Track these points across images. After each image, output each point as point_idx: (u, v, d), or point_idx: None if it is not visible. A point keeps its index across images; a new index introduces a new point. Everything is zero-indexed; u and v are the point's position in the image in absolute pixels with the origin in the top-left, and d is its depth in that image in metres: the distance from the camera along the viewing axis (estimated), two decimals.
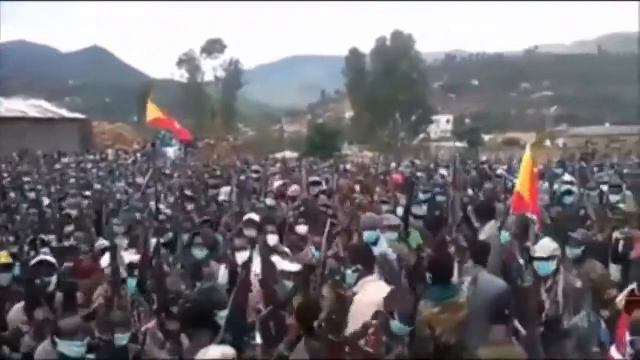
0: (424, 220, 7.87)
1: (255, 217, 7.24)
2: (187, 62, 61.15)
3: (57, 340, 4.00)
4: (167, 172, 15.73)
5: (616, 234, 5.93)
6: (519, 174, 7.33)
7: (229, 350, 3.49)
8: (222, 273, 5.87)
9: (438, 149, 50.16)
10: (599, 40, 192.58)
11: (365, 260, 4.97)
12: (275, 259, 5.67)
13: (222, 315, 4.14)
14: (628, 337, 3.09)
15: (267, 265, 5.20)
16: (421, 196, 9.31)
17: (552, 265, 4.92)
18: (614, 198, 8.27)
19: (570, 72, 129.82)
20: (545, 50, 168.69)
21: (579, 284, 4.88)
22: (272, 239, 6.41)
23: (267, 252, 5.52)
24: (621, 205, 7.74)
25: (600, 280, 5.19)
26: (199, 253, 6.45)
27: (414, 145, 53.61)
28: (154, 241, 5.82)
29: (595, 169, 13.36)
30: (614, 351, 3.34)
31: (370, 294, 4.48)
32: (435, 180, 12.19)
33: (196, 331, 4.11)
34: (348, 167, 19.10)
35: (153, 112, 12.04)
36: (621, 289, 4.86)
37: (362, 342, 3.81)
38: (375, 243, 5.93)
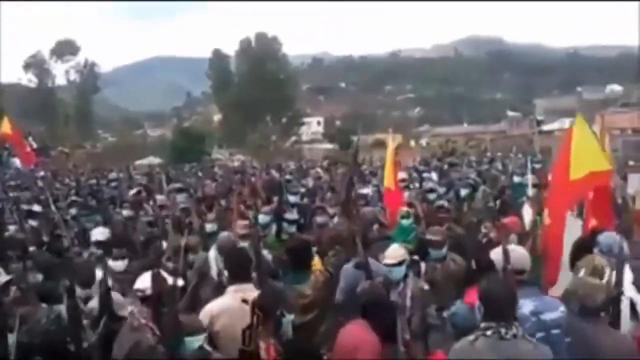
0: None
1: (101, 236, 6.76)
2: (35, 64, 57.60)
3: None
4: (12, 183, 15.05)
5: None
6: (384, 169, 8.19)
7: None
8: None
9: (310, 150, 50.21)
10: (455, 44, 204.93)
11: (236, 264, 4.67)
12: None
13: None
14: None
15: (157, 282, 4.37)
16: (290, 198, 9.30)
17: (403, 269, 5.11)
18: (463, 192, 9.14)
19: (430, 75, 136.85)
20: (406, 53, 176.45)
21: (425, 286, 5.26)
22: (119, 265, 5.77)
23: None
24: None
25: (458, 270, 5.56)
26: (33, 279, 5.55)
27: (286, 148, 53.36)
28: None
29: (445, 166, 14.89)
30: None
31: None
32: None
33: None
34: (216, 170, 18.85)
35: (4, 125, 11.94)
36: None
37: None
38: None
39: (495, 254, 4.14)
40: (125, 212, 8.99)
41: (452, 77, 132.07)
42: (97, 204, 10.56)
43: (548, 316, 3.71)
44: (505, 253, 4.01)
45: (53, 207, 8.01)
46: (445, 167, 14.87)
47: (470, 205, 8.65)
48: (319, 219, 7.59)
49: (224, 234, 6.12)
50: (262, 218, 7.45)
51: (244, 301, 3.76)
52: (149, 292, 4.23)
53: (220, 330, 4.15)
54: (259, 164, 23.49)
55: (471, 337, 3.24)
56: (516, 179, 9.71)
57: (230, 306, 4.22)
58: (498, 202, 8.51)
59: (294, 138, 59.67)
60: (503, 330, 3.16)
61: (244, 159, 35.24)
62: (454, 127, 68.94)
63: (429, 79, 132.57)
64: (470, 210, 8.35)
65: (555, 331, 3.65)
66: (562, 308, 3.70)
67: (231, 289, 4.36)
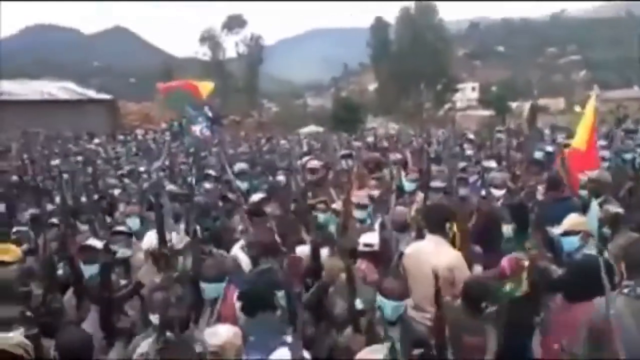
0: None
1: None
2: (209, 39, 60.96)
3: None
4: (191, 150, 14.91)
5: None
6: (579, 128, 6.99)
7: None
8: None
9: (463, 117, 49.30)
10: (626, 4, 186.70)
11: None
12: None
13: (280, 295, 3.89)
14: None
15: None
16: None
17: (575, 241, 4.56)
18: None
19: (596, 36, 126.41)
20: (570, 14, 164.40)
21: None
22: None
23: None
24: None
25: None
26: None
27: (440, 115, 52.77)
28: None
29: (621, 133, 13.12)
30: None
31: None
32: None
33: (257, 314, 3.84)
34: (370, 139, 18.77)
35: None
36: None
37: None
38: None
39: None
40: (280, 178, 9.20)
41: (622, 38, 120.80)
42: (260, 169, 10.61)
43: None
44: None
45: (229, 171, 8.06)
46: (622, 134, 13.35)
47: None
48: (462, 190, 7.27)
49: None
50: (408, 185, 7.41)
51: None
52: (376, 247, 4.56)
53: (408, 269, 4.54)
54: (413, 132, 23.87)
55: (613, 294, 3.19)
56: None
57: (423, 247, 4.58)
58: None
59: (447, 105, 58.69)
60: (639, 289, 3.19)
61: (398, 127, 35.60)
62: (624, 91, 63.13)
63: (595, 41, 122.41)
64: None
65: None
66: None
67: (429, 237, 4.73)
